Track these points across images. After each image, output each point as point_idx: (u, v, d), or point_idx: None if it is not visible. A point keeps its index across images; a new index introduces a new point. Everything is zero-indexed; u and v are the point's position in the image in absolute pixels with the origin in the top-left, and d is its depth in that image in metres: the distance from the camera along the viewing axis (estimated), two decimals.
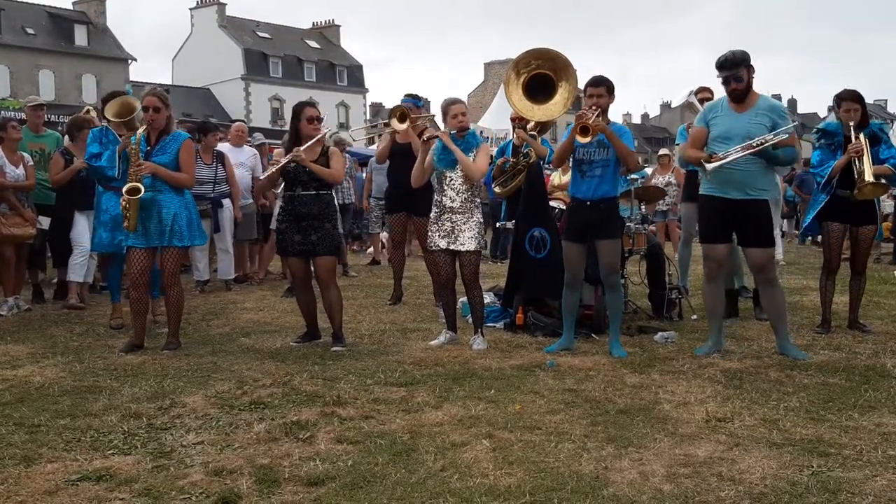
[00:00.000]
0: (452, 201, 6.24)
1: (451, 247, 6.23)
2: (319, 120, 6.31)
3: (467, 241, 6.19)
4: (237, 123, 11.45)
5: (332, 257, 6.29)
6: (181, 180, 6.15)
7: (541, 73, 6.96)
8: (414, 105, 8.28)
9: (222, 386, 5.00)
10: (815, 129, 7.21)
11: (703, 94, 8.27)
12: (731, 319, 7.20)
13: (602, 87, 5.88)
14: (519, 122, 7.63)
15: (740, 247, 6.05)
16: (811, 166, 7.18)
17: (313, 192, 6.16)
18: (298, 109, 6.28)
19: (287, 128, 8.49)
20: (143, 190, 5.87)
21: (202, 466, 3.60)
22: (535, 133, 7.52)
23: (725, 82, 5.73)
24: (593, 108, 5.77)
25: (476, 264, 6.31)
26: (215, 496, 3.27)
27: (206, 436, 4.03)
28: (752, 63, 5.74)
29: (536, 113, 7.22)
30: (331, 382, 5.07)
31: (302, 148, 6.02)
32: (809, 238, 16.51)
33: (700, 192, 5.96)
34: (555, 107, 6.95)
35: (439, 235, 6.28)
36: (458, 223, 6.21)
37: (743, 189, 5.66)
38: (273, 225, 9.91)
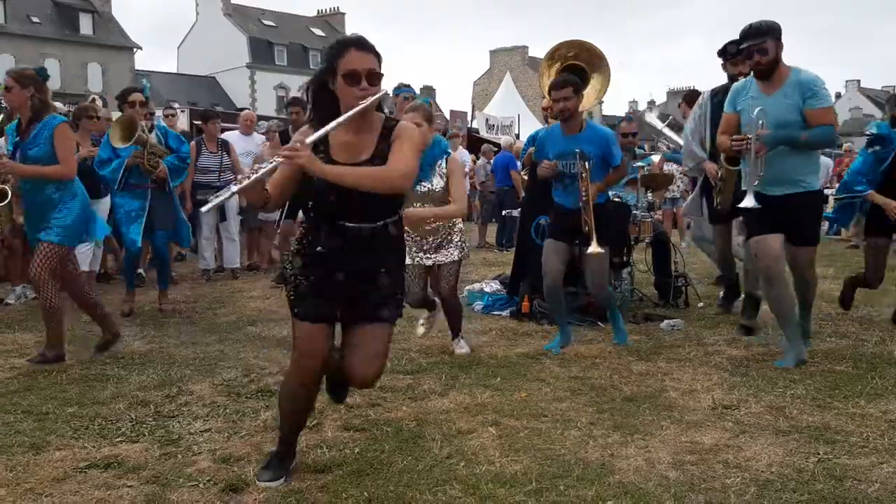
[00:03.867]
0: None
1: (429, 262, 5.47)
2: (377, 77, 3.19)
3: (449, 253, 5.45)
4: (245, 112, 11.48)
5: None
6: (55, 174, 5.23)
7: (574, 64, 6.99)
8: (411, 94, 8.34)
9: (229, 374, 5.02)
10: (867, 132, 6.62)
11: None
12: (738, 301, 7.13)
13: (568, 89, 5.40)
14: (551, 111, 7.66)
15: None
16: (850, 172, 6.62)
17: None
18: (338, 51, 3.18)
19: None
20: (9, 195, 5.72)
21: (209, 454, 3.62)
22: None
23: (748, 55, 5.04)
24: (562, 111, 5.44)
25: (456, 275, 5.54)
26: (223, 483, 3.28)
27: (213, 423, 4.05)
28: (781, 37, 5.00)
29: None
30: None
31: (309, 139, 3.00)
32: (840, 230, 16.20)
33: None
34: (588, 98, 6.97)
35: (416, 249, 5.44)
36: (433, 239, 5.43)
37: (782, 183, 4.99)
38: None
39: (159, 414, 4.23)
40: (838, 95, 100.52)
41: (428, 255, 5.45)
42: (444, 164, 5.34)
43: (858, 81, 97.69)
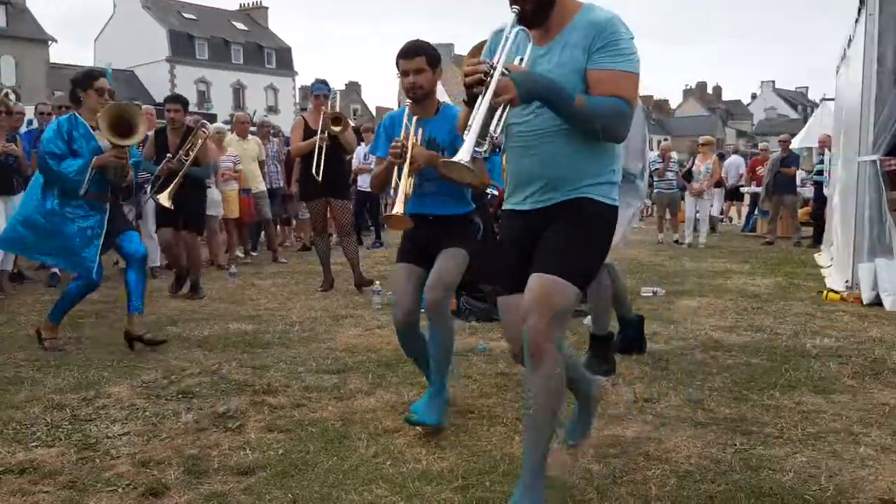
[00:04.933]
0: None
1: None
2: None
3: None
4: (146, 107, 11.21)
5: None
6: None
7: None
8: (324, 91, 8.40)
9: (148, 375, 4.91)
10: None
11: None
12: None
13: (420, 59, 3.95)
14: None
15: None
16: None
17: None
18: None
19: (214, 111, 8.38)
20: None
21: (128, 458, 3.54)
22: None
23: None
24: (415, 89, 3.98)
25: None
26: (142, 487, 3.21)
27: (132, 426, 3.95)
28: None
29: None
30: (261, 371, 5.02)
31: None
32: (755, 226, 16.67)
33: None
34: None
35: None
36: None
37: (553, 188, 2.94)
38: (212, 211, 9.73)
39: (76, 417, 4.11)
40: (754, 96, 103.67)
41: None
42: None
43: (773, 82, 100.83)
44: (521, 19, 2.86)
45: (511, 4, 2.84)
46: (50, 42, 52.04)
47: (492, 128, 2.68)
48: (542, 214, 2.97)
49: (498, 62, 2.72)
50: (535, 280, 2.85)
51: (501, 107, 2.68)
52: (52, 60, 50.41)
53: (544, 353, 2.79)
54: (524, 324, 2.83)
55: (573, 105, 2.75)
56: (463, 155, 2.65)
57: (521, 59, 2.86)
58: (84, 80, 5.67)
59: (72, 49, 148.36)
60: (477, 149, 2.66)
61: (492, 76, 2.68)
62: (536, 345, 2.80)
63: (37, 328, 5.83)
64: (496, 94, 2.66)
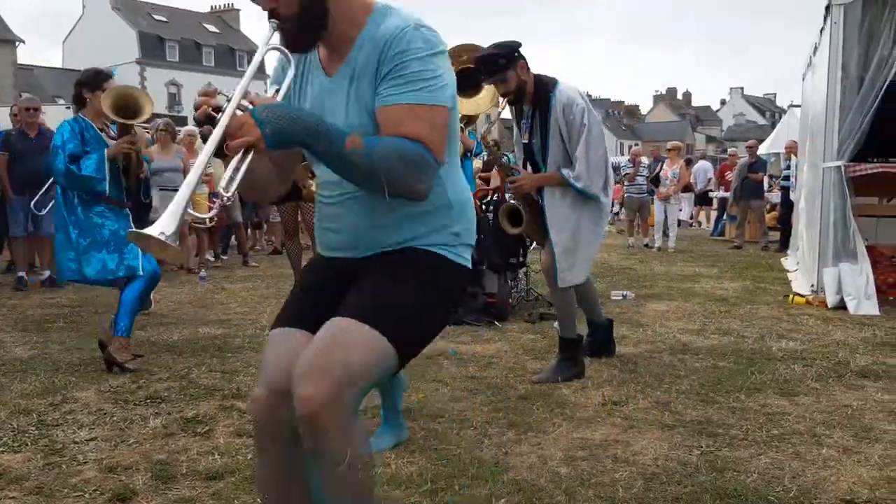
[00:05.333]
0: None
1: None
2: None
3: None
4: None
5: None
6: None
7: (468, 68, 7.07)
8: None
9: (116, 380, 4.87)
10: None
11: None
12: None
13: None
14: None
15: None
16: None
17: None
18: None
19: (185, 113, 8.33)
20: None
21: (96, 463, 3.51)
22: (462, 125, 7.57)
23: None
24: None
25: None
26: (110, 493, 3.19)
27: (99, 431, 3.92)
28: None
29: (464, 106, 7.32)
30: (230, 375, 5.00)
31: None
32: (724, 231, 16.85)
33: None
34: (482, 101, 7.02)
35: None
36: None
37: (367, 238, 2.17)
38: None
39: (43, 423, 4.07)
40: (723, 102, 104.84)
41: None
42: None
43: (742, 88, 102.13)
44: (283, 38, 2.10)
45: (269, 18, 2.06)
46: (17, 42, 51.40)
47: (222, 184, 1.89)
48: (358, 261, 2.19)
49: (238, 101, 1.91)
50: (329, 324, 2.05)
51: (240, 154, 1.88)
52: (19, 61, 49.76)
53: (324, 436, 1.94)
54: (294, 387, 1.96)
55: (343, 149, 1.91)
56: (163, 226, 1.76)
57: (277, 90, 2.12)
58: (94, 81, 5.25)
59: (40, 50, 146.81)
60: (199, 214, 1.88)
61: (223, 111, 1.90)
62: (311, 420, 1.92)
63: (107, 355, 5.11)
64: (229, 135, 1.86)
